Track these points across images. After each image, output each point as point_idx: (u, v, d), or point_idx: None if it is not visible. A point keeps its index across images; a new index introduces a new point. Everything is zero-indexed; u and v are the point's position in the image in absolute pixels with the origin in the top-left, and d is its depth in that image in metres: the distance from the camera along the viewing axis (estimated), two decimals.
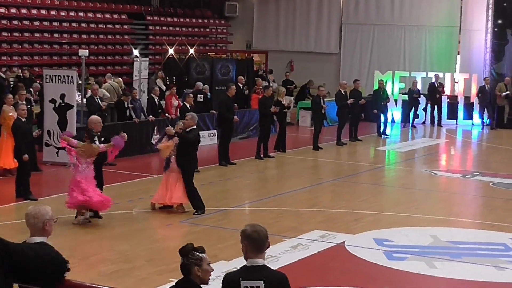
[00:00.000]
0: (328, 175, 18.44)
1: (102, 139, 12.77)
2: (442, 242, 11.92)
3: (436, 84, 28.32)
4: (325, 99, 22.91)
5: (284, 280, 5.16)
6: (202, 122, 21.30)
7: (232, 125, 19.11)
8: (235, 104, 23.88)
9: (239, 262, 10.18)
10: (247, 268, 5.18)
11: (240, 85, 23.87)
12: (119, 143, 12.79)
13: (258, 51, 35.02)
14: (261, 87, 24.05)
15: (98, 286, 3.92)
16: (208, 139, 21.49)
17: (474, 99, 28.72)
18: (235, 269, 5.36)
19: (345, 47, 33.70)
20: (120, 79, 24.47)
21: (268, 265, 5.20)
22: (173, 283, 5.38)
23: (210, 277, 5.24)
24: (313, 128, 22.60)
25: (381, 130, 25.05)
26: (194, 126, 13.17)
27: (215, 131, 21.60)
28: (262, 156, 19.68)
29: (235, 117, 19.21)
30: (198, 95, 22.56)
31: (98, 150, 12.48)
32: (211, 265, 5.29)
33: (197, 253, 5.20)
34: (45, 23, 26.89)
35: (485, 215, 14.34)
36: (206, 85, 23.93)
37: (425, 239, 12.05)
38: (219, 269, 9.76)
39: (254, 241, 5.16)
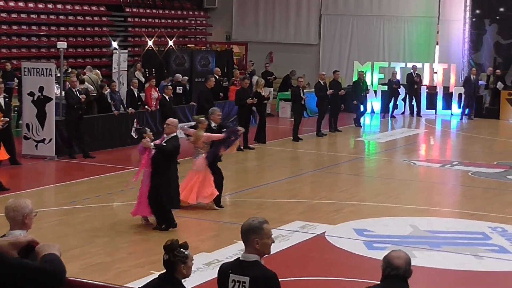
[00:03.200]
0: (308, 166, 18.48)
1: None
2: (422, 231, 12.01)
3: (413, 75, 28.44)
4: (304, 90, 22.97)
5: (272, 279, 5.03)
6: (182, 114, 21.27)
7: None
8: (221, 94, 23.89)
9: (220, 254, 10.27)
10: (239, 262, 5.14)
11: (217, 77, 23.83)
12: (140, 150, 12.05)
13: (237, 42, 34.98)
14: (238, 78, 24.04)
15: (79, 279, 3.91)
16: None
17: (454, 89, 28.88)
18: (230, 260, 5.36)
19: (325, 38, 33.75)
20: (99, 71, 24.35)
21: (261, 261, 5.10)
22: (154, 275, 5.38)
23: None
24: (293, 119, 22.64)
25: (358, 120, 25.19)
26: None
27: (194, 123, 21.54)
28: (242, 147, 19.68)
29: None
30: (177, 87, 22.52)
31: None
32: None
33: (183, 250, 5.19)
34: (23, 15, 26.70)
35: (464, 204, 14.45)
36: (185, 77, 23.87)
37: (405, 228, 12.13)
38: (200, 261, 9.80)
39: (241, 235, 5.15)
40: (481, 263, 10.48)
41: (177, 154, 11.82)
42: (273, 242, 5.17)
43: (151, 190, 11.52)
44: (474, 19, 30.93)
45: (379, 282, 4.98)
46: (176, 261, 5.15)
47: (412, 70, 28.54)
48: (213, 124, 13.37)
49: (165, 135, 11.79)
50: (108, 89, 20.13)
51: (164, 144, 11.63)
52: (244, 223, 5.21)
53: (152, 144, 11.57)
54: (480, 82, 28.70)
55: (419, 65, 29.03)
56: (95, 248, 10.71)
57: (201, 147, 13.06)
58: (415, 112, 28.48)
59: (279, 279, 5.08)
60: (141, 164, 11.86)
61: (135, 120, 19.32)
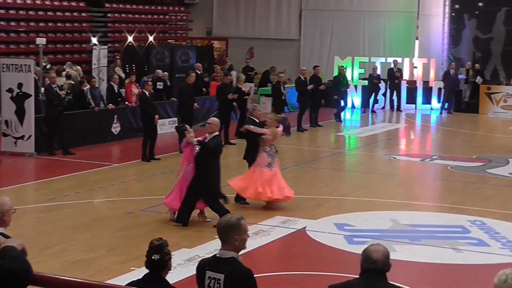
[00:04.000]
0: (289, 161, 18.49)
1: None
2: (402, 225, 12.09)
3: (394, 70, 28.54)
4: (285, 86, 23.00)
5: (248, 276, 5.04)
6: (163, 109, 21.24)
7: (192, 112, 19.06)
8: (204, 89, 23.86)
9: (200, 250, 10.28)
10: (215, 258, 5.15)
11: (198, 72, 23.81)
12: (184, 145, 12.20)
13: (218, 37, 34.92)
14: (219, 74, 24.03)
15: (59, 276, 3.91)
16: (169, 127, 21.41)
17: (433, 84, 29.03)
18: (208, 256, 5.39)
19: (305, 33, 33.77)
20: (79, 67, 24.23)
21: (238, 259, 5.11)
22: (135, 272, 5.38)
23: None
24: None
25: (339, 115, 25.27)
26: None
27: (176, 118, 21.52)
28: (222, 143, 19.65)
29: (195, 104, 19.16)
30: (158, 83, 22.47)
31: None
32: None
33: (168, 248, 5.20)
34: (1, 11, 26.50)
35: (444, 198, 14.56)
36: (165, 72, 23.83)
37: (385, 223, 12.20)
38: (180, 257, 9.81)
39: (218, 232, 5.16)
40: (460, 256, 10.57)
41: (219, 153, 11.95)
42: (249, 237, 5.23)
43: (192, 185, 11.67)
44: (453, 14, 31.08)
45: (358, 276, 5.01)
46: (167, 260, 5.16)
47: (393, 65, 28.64)
48: (257, 121, 13.36)
49: (207, 134, 11.85)
50: (88, 85, 20.05)
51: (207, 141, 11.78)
52: (220, 220, 5.26)
53: (195, 140, 11.75)
54: (459, 77, 28.86)
55: (399, 60, 29.14)
56: (75, 245, 10.68)
57: (274, 144, 13.18)
58: (395, 107, 28.60)
59: (259, 275, 5.12)
60: (182, 158, 12.13)
61: (115, 117, 19.26)
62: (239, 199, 13.18)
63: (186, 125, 12.47)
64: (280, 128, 13.15)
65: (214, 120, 12.09)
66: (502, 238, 11.42)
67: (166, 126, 21.16)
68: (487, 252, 10.71)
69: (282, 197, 12.87)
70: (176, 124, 13.20)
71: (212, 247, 10.27)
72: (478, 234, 11.64)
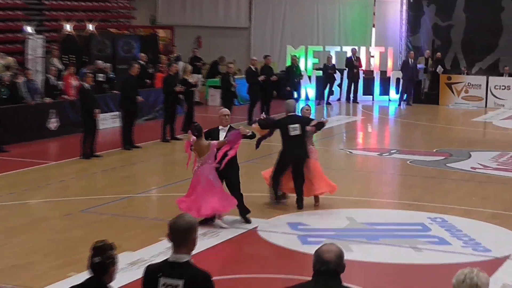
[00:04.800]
0: (240, 157, 18.34)
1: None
2: (359, 224, 12.15)
3: (353, 58, 28.71)
4: (235, 77, 22.96)
5: (207, 279, 5.00)
6: (104, 103, 21.03)
7: (136, 106, 18.91)
8: (148, 81, 23.68)
9: (145, 253, 10.20)
10: (168, 263, 5.05)
11: (142, 63, 23.63)
12: (233, 138, 11.89)
13: (163, 26, 34.73)
14: (165, 64, 23.89)
15: None
16: (111, 121, 21.21)
17: (391, 74, 29.28)
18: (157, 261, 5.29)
19: (256, 21, 33.77)
20: (12, 58, 23.82)
21: (191, 262, 5.05)
22: (74, 278, 5.29)
23: None
24: (222, 107, 22.55)
25: None
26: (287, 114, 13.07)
27: (118, 112, 21.32)
28: (168, 138, 19.59)
29: (139, 97, 19.00)
30: (99, 75, 22.24)
31: (208, 147, 11.62)
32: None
33: (112, 251, 5.10)
34: None
35: (403, 194, 14.69)
36: (107, 63, 23.59)
37: (341, 221, 12.25)
38: (124, 261, 9.69)
39: (173, 235, 5.06)
40: (420, 255, 10.66)
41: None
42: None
43: (230, 182, 11.99)
44: (411, 0, 31.37)
45: (310, 279, 4.98)
46: (109, 264, 5.06)
47: (351, 54, 28.80)
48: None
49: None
50: (24, 78, 19.73)
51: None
52: (178, 221, 5.09)
53: (249, 131, 12.25)
54: (418, 66, 29.16)
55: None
56: (9, 250, 10.50)
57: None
58: (351, 99, 28.78)
59: None
60: (229, 154, 11.89)
61: (53, 111, 18.99)
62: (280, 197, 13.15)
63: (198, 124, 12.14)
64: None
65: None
66: (464, 236, 11.55)
67: (107, 121, 20.96)
68: (448, 251, 10.81)
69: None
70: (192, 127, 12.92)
71: (157, 250, 10.20)
72: (438, 232, 11.75)
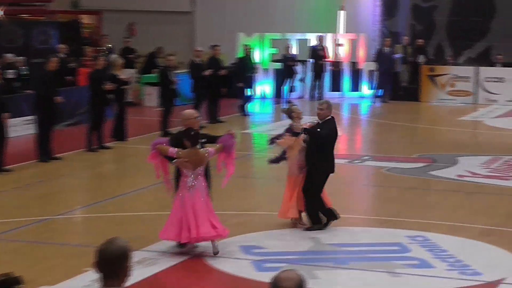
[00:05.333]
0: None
1: (204, 140, 11.97)
2: (325, 245, 12.23)
3: (318, 48, 28.91)
4: (176, 71, 22.97)
5: None
6: (15, 105, 20.84)
7: (54, 108, 18.81)
8: (69, 77, 23.55)
9: (67, 287, 10.13)
10: None
11: (62, 56, 23.52)
12: (229, 143, 11.90)
13: (87, 11, 34.59)
14: (90, 57, 23.82)
15: None
16: (24, 128, 21.06)
17: (364, 65, 29.54)
18: None
19: (201, 4, 33.81)
20: None
21: None
22: None
23: None
24: (161, 108, 22.59)
25: (245, 108, 25.43)
26: (330, 116, 12.91)
27: (33, 117, 21.18)
28: (95, 147, 19.52)
29: (58, 97, 18.91)
30: (8, 71, 22.10)
31: (207, 156, 11.55)
32: None
33: (18, 286, 5.08)
34: None
35: (378, 209, 14.82)
36: (19, 57, 23.48)
37: (304, 243, 12.31)
38: None
39: (102, 264, 5.04)
40: (398, 281, 10.76)
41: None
42: None
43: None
44: None
45: None
46: None
47: (316, 42, 28.98)
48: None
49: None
50: None
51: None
52: (108, 247, 5.06)
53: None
54: (395, 56, 29.47)
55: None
56: None
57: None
58: (316, 96, 28.95)
59: None
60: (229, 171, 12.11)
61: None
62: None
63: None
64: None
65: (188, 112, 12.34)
66: (449, 257, 11.69)
67: (19, 128, 20.78)
68: (431, 276, 10.93)
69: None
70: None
71: (81, 282, 10.18)
72: (419, 253, 11.87)
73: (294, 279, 4.97)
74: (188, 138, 11.47)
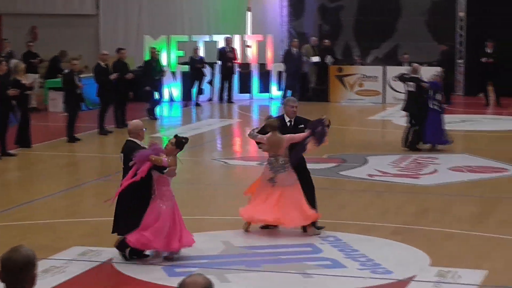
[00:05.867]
0: (90, 174, 18.36)
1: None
2: (237, 248, 12.26)
3: (226, 50, 28.95)
4: (81, 76, 22.77)
5: None
6: None
7: None
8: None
9: None
10: None
11: None
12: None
13: None
14: None
15: None
16: None
17: (272, 66, 29.68)
18: None
19: (105, 7, 33.53)
20: None
21: None
22: None
23: None
24: (66, 113, 22.35)
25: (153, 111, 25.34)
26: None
27: None
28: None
29: None
30: None
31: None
32: None
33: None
34: None
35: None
36: None
37: (216, 246, 12.32)
38: None
39: (5, 273, 4.94)
40: (310, 282, 10.86)
41: None
42: None
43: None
44: None
45: None
46: None
47: (224, 44, 29.02)
48: (287, 119, 13.14)
49: None
50: None
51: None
52: (12, 255, 5.01)
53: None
54: (313, 60, 29.64)
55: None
56: None
57: (283, 155, 12.94)
58: (225, 98, 29.00)
59: None
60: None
61: None
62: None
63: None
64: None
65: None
66: (360, 256, 11.82)
67: None
68: (343, 275, 11.05)
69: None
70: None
71: None
72: (331, 253, 11.99)
73: (200, 283, 4.97)
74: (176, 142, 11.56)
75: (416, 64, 21.30)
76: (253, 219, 12.92)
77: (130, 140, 11.80)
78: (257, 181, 13.32)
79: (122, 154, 11.69)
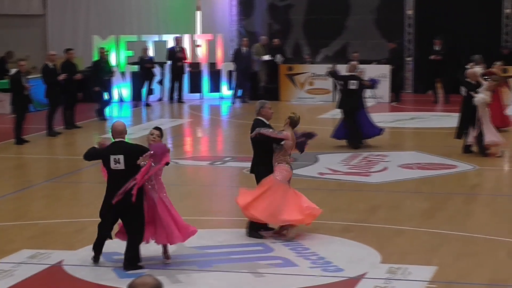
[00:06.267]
0: (39, 176, 18.25)
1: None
2: (187, 248, 12.22)
3: (176, 49, 28.92)
4: (28, 77, 22.62)
5: None
6: None
7: None
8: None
9: None
10: None
11: None
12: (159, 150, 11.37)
13: None
14: None
15: None
16: None
17: (222, 66, 29.71)
18: None
19: (52, 7, 33.34)
20: None
21: None
22: None
23: None
24: (14, 115, 22.18)
25: (103, 112, 25.24)
26: None
27: None
28: None
29: None
30: None
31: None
32: None
33: None
34: None
35: (239, 210, 14.86)
36: None
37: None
38: None
39: None
40: (262, 281, 10.88)
41: None
42: None
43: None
44: None
45: None
46: None
47: (174, 43, 28.98)
48: (267, 123, 13.11)
49: None
50: None
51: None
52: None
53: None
54: (264, 58, 29.70)
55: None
56: None
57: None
58: (175, 98, 28.98)
59: None
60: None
61: None
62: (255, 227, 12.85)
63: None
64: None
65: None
66: (311, 254, 11.88)
67: None
68: (294, 274, 11.08)
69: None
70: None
71: None
72: (282, 252, 12.02)
73: (149, 284, 4.99)
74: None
75: (354, 62, 21.47)
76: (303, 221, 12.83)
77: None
78: (269, 184, 12.90)
79: (122, 156, 11.35)
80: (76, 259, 11.79)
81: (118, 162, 11.16)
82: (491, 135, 18.77)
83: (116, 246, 12.35)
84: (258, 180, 13.07)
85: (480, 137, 18.83)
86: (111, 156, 11.16)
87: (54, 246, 12.30)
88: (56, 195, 16.22)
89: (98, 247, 11.56)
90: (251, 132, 12.91)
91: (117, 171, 11.13)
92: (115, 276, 11.06)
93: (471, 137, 18.97)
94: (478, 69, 20.52)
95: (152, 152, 11.12)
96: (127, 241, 11.28)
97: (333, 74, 21.40)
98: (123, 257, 11.61)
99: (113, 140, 11.55)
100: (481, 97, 18.65)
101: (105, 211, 11.39)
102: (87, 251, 12.09)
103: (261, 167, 13.08)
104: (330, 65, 22.46)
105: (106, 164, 11.25)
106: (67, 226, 13.62)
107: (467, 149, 19.17)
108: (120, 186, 10.96)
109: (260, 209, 12.59)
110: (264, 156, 12.99)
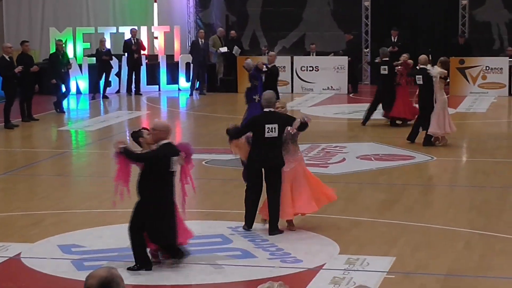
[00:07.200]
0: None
1: None
2: None
3: (132, 41, 28.83)
4: None
5: None
6: None
7: None
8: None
9: None
10: None
11: None
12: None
13: None
14: None
15: None
16: None
17: (180, 58, 29.67)
18: None
19: None
20: None
21: None
22: None
23: None
24: None
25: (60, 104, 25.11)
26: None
27: None
28: None
29: None
30: None
31: None
32: None
33: None
34: None
35: (199, 202, 14.90)
36: None
37: (125, 240, 12.24)
38: None
39: None
40: (221, 273, 10.91)
41: None
42: None
43: None
44: None
45: None
46: None
47: (131, 35, 28.89)
48: None
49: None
50: None
51: None
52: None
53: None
54: (212, 48, 29.73)
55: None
56: None
57: None
58: (133, 90, 28.90)
59: None
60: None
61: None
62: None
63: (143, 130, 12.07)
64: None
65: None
66: (270, 245, 11.93)
67: None
68: (253, 265, 11.14)
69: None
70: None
71: None
72: (241, 243, 12.07)
73: (99, 276, 4.99)
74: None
75: (272, 52, 21.75)
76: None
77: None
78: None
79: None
80: (35, 252, 11.75)
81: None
82: (435, 126, 18.91)
83: (73, 238, 12.35)
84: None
85: (426, 125, 19.06)
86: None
87: (11, 239, 12.25)
88: (11, 188, 16.15)
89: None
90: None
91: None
92: (73, 268, 11.04)
93: (431, 127, 19.06)
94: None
95: (184, 153, 11.88)
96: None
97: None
98: (84, 248, 11.58)
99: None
100: (439, 70, 18.83)
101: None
102: (45, 244, 12.08)
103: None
104: None
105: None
106: (23, 219, 13.57)
107: (427, 140, 19.24)
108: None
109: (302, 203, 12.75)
110: None
